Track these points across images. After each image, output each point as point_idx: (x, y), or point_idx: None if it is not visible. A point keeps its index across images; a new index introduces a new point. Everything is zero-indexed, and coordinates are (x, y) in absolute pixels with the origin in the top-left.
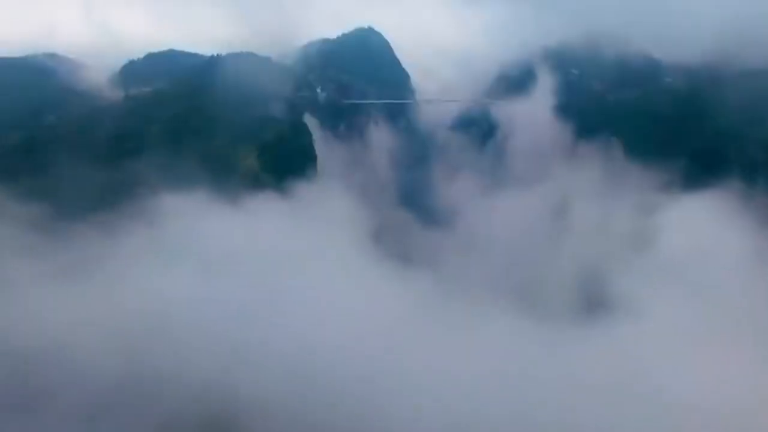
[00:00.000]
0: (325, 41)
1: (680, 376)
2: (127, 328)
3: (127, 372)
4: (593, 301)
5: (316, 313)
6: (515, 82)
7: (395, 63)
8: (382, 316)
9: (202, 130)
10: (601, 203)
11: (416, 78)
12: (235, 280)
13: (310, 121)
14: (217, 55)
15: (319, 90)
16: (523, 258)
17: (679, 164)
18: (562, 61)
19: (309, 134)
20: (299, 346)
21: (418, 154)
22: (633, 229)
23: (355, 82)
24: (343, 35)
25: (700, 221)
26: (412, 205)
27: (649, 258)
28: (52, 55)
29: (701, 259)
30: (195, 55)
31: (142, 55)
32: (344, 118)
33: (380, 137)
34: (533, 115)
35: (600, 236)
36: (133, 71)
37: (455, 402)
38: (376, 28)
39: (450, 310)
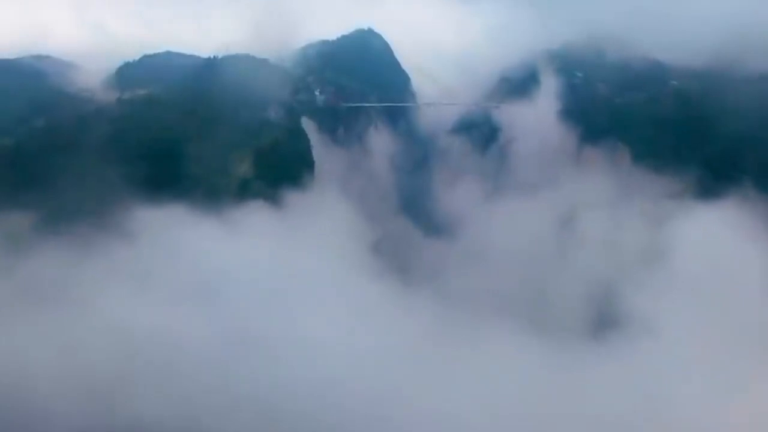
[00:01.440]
0: (324, 43)
1: (697, 396)
2: (102, 360)
3: (98, 413)
4: (604, 317)
5: (314, 335)
6: (518, 85)
7: (395, 65)
8: (383, 335)
9: (198, 133)
10: (609, 211)
11: (417, 81)
12: (234, 285)
13: (308, 124)
14: (214, 57)
15: (317, 93)
16: (528, 270)
17: (689, 170)
18: (566, 63)
19: (306, 139)
20: (295, 375)
21: (418, 158)
22: (643, 239)
23: (355, 84)
24: (343, 37)
25: (713, 230)
26: (412, 212)
27: (660, 270)
28: (45, 57)
29: (715, 270)
30: (192, 57)
31: (137, 57)
32: (343, 122)
33: (380, 141)
34: (537, 119)
35: (609, 246)
36: (128, 73)
37: (461, 428)
38: (376, 30)
39: (454, 327)
